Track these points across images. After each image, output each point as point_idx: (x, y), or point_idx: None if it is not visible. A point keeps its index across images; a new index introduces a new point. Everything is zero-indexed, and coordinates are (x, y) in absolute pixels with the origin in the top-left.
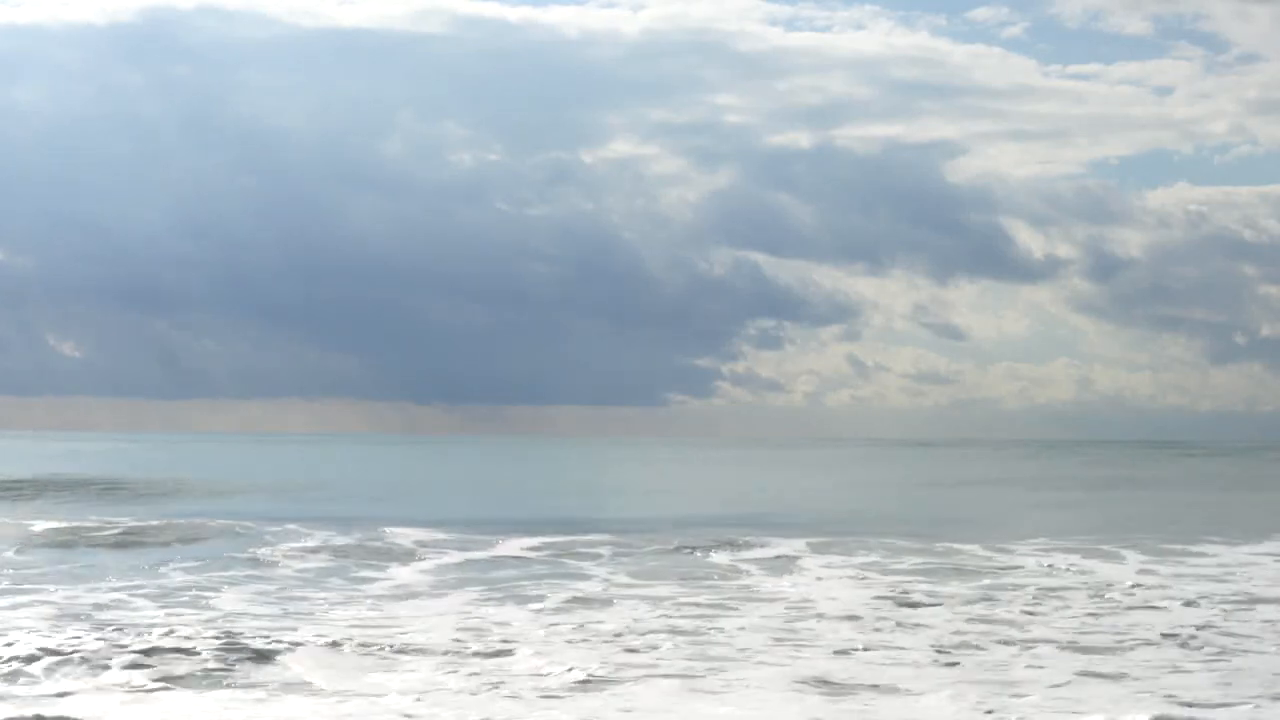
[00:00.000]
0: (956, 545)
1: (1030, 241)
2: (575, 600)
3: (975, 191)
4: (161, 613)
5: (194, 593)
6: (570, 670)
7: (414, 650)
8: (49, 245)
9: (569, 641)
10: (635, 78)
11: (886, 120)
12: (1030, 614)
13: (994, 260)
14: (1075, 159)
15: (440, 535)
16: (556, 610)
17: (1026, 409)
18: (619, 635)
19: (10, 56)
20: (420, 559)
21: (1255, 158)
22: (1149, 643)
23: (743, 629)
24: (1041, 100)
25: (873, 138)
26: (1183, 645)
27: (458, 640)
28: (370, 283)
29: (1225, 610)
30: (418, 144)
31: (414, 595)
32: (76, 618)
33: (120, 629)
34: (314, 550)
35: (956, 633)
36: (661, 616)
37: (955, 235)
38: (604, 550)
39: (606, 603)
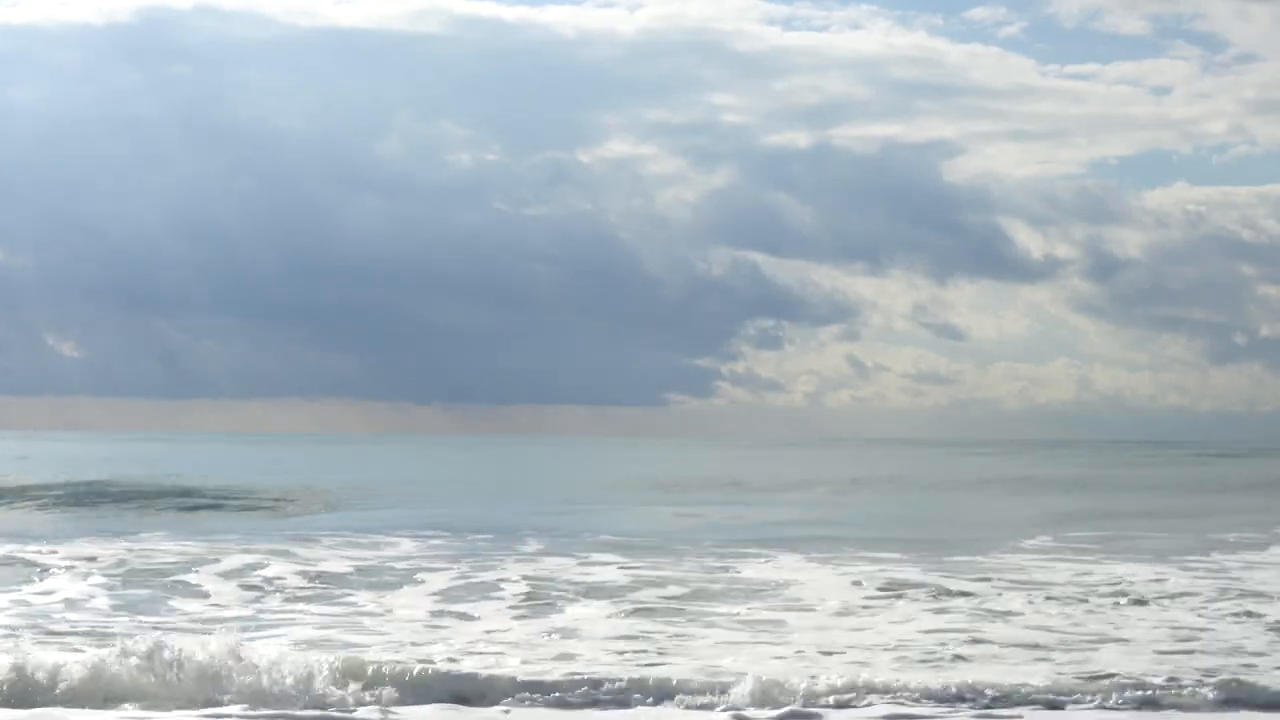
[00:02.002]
0: (951, 545)
1: (1029, 241)
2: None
3: (974, 191)
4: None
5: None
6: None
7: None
8: (48, 245)
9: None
10: (632, 77)
11: (884, 120)
12: (1000, 612)
13: (993, 260)
14: (1074, 159)
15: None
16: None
17: (1026, 409)
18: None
19: (7, 56)
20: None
21: (1254, 158)
22: (1126, 641)
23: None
24: (1039, 100)
25: (871, 137)
26: (1166, 644)
27: None
28: (369, 283)
29: (1217, 613)
30: (416, 144)
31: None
32: None
33: None
34: None
35: (931, 630)
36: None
37: (954, 235)
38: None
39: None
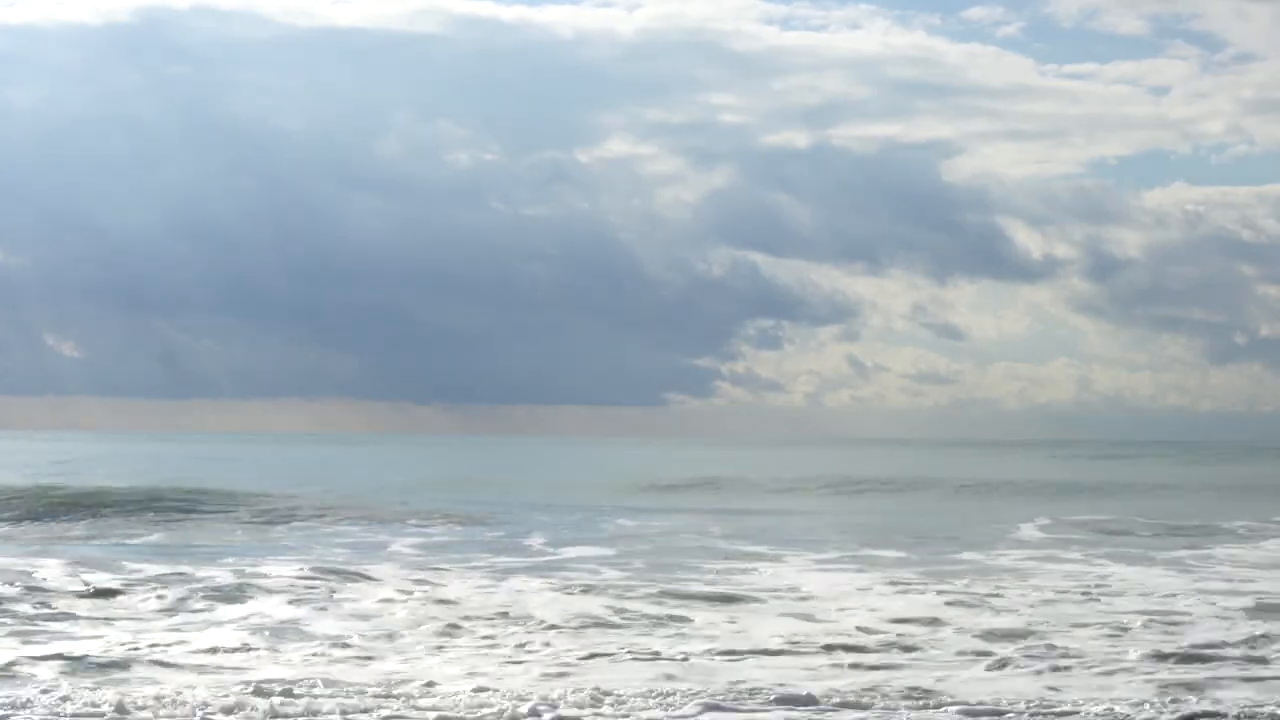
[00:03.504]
0: (942, 545)
1: (1028, 241)
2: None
3: (972, 191)
4: None
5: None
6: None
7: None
8: (48, 245)
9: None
10: (631, 77)
11: (883, 120)
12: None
13: (992, 260)
14: (1072, 159)
15: None
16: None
17: (1026, 409)
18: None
19: (6, 57)
20: None
21: (1252, 157)
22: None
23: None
24: (1038, 100)
25: (870, 137)
26: (1133, 640)
27: None
28: (368, 283)
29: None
30: (414, 144)
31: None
32: None
33: None
34: None
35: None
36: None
37: (953, 235)
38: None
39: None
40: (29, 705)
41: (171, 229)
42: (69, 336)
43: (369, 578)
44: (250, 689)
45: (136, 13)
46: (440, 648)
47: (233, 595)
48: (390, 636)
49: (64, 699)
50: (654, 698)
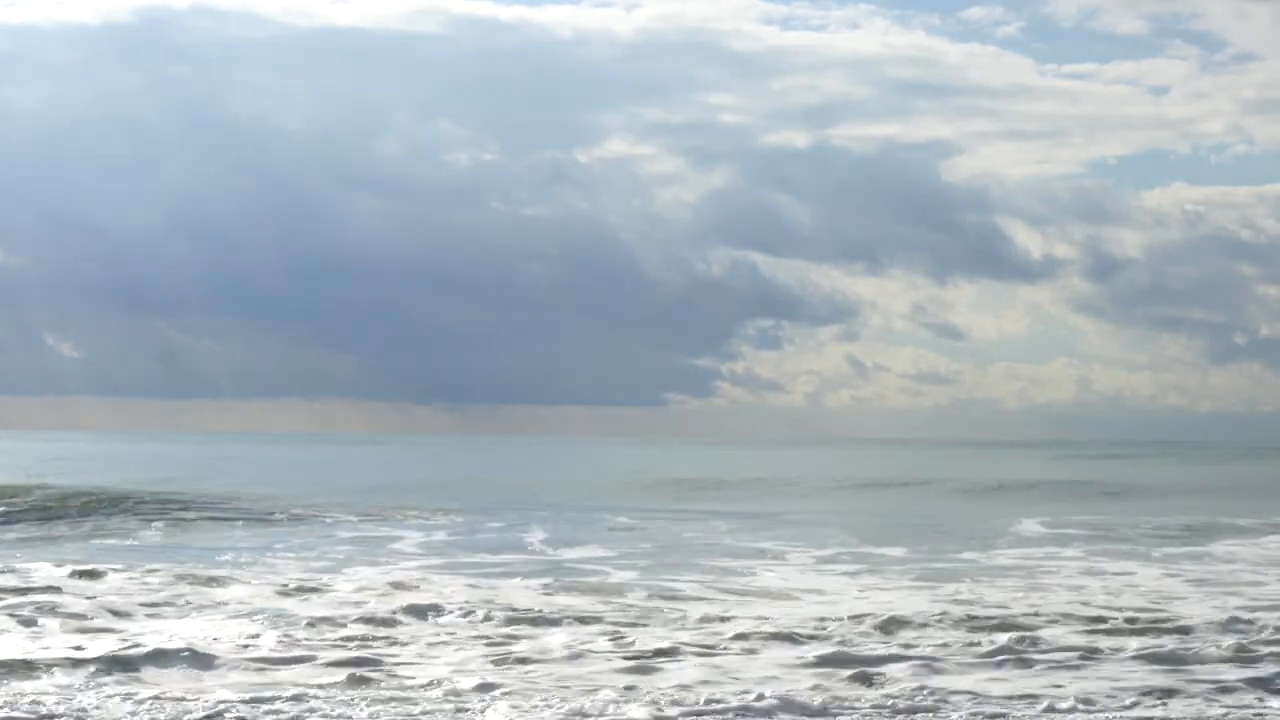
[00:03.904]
0: (944, 542)
1: (1028, 241)
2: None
3: (972, 191)
4: None
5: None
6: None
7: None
8: (48, 245)
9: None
10: (630, 77)
11: (883, 120)
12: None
13: (992, 260)
14: (1072, 159)
15: None
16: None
17: (1026, 409)
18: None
19: (6, 57)
20: None
21: (1252, 157)
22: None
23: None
24: (1037, 100)
25: (870, 137)
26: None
27: None
28: (369, 283)
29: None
30: (414, 144)
31: None
32: None
33: None
34: None
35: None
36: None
37: (953, 235)
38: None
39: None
40: (28, 704)
41: (171, 229)
42: (69, 336)
43: (368, 575)
44: (253, 688)
45: (136, 13)
46: (439, 645)
47: (232, 593)
48: (389, 634)
49: (65, 697)
50: (650, 698)
